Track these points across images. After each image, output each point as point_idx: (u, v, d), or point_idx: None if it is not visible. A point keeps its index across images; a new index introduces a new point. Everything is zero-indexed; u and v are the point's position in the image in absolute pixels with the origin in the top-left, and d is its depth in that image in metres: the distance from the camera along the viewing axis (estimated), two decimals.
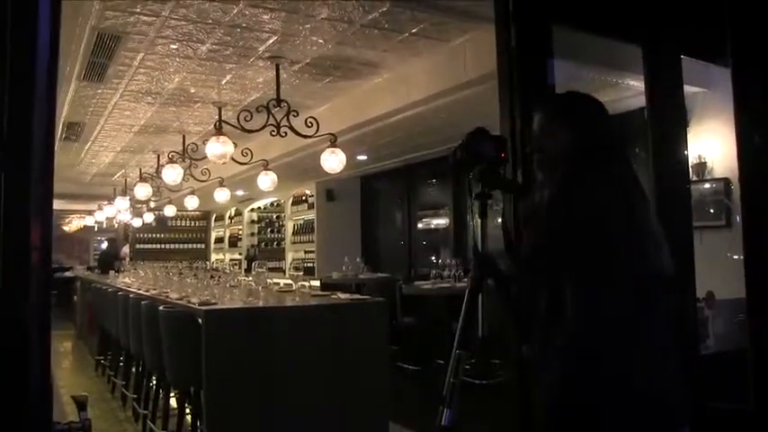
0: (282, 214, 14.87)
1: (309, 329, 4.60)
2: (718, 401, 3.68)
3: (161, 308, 4.75)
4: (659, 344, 2.28)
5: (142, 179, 10.58)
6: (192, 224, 18.80)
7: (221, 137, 6.85)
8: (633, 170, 2.41)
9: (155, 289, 6.41)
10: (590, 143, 2.39)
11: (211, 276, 6.41)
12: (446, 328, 7.20)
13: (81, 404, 1.46)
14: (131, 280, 8.62)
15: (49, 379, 1.25)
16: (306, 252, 13.57)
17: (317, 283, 9.41)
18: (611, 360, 2.21)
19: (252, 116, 6.36)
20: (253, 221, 16.62)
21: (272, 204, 15.84)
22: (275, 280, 6.68)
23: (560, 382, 2.24)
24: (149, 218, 15.62)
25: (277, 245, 15.00)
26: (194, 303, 4.67)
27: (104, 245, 16.66)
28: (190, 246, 18.57)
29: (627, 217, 2.29)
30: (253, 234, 16.49)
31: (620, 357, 2.21)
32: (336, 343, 4.63)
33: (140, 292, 6.31)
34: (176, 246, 18.35)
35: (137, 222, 16.06)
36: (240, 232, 17.01)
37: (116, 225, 18.12)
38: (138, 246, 17.97)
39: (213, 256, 18.31)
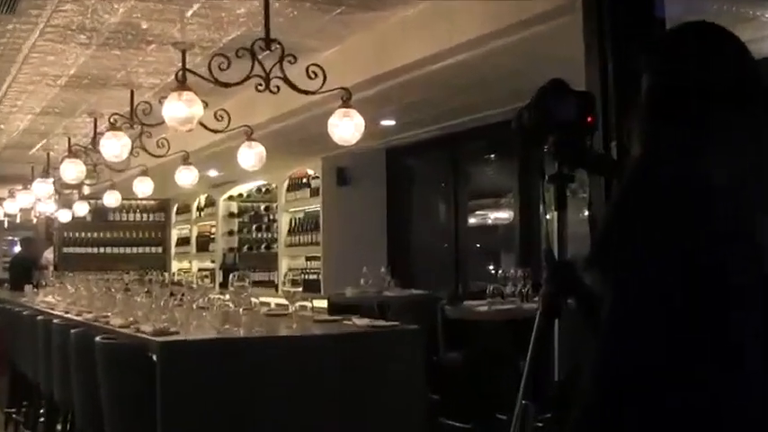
0: (274, 205, 14.94)
1: (311, 369, 4.62)
2: None
3: (98, 338, 4.79)
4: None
5: (72, 153, 10.63)
6: (145, 219, 18.91)
7: (185, 93, 6.87)
8: None
9: (90, 312, 6.46)
10: (720, 89, 2.37)
11: (171, 294, 6.44)
12: (509, 369, 7.20)
13: None
14: (56, 298, 8.68)
15: None
16: (307, 259, 13.63)
17: (323, 303, 9.44)
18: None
19: (229, 63, 6.37)
20: (231, 215, 16.67)
21: (258, 190, 15.89)
22: (263, 299, 6.73)
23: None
24: (82, 209, 15.62)
25: (266, 248, 15.06)
26: (146, 332, 4.71)
27: (17, 248, 16.79)
28: (141, 250, 18.66)
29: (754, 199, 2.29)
30: (231, 233, 16.54)
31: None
32: (350, 388, 4.65)
33: (69, 315, 6.36)
34: (121, 250, 18.45)
35: (64, 216, 16.10)
36: (213, 230, 17.06)
37: (34, 219, 18.22)
38: (66, 249, 18.09)
39: (175, 265, 18.43)
